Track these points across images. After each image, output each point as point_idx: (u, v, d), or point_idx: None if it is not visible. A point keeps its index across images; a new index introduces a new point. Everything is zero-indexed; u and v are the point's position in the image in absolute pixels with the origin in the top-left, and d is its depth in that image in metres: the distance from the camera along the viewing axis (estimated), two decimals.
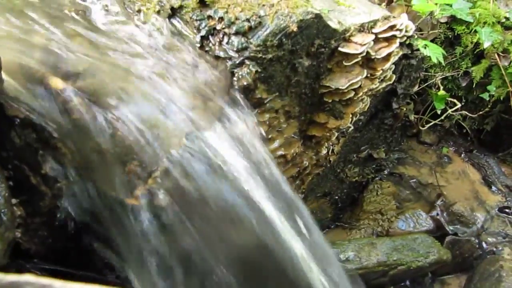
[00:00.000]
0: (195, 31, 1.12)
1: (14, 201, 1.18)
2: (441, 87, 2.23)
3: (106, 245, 1.19)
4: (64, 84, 1.12)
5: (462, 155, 2.46)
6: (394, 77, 1.50)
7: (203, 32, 1.10)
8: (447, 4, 2.12)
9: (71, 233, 1.21)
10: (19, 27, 1.18)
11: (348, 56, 1.28)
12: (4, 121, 1.12)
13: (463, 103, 2.29)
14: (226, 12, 1.09)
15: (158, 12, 1.16)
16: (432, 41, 2.24)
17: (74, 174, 1.12)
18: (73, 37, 1.17)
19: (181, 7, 1.14)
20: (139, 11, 1.18)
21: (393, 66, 1.46)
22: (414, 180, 2.33)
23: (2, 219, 1.13)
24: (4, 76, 1.10)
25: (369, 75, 1.37)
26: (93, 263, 1.28)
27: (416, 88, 2.31)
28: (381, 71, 1.37)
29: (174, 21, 1.16)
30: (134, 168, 1.11)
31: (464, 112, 2.28)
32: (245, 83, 1.08)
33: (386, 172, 2.28)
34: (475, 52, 2.19)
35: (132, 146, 1.10)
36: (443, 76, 2.26)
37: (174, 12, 1.15)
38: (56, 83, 1.12)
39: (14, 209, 1.18)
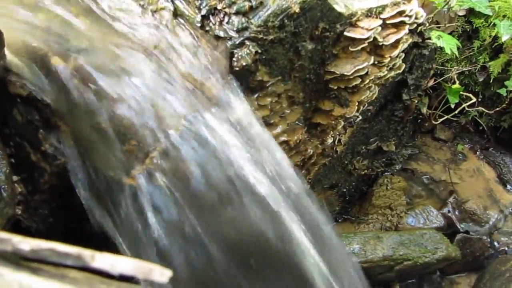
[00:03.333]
0: (196, 11, 1.11)
1: (15, 178, 1.19)
2: (457, 82, 2.18)
3: (106, 224, 1.19)
4: (66, 62, 1.12)
5: (478, 152, 2.40)
6: (403, 66, 1.46)
7: (203, 12, 1.09)
8: None
9: (73, 212, 1.21)
10: (23, 4, 1.19)
11: (354, 41, 1.25)
12: (7, 99, 1.13)
13: (480, 99, 2.23)
14: None
15: None
16: (449, 34, 2.19)
17: (74, 152, 1.13)
18: (76, 16, 1.18)
19: None
20: None
21: (403, 55, 1.43)
22: (427, 176, 2.29)
23: (2, 195, 1.14)
24: (7, 53, 1.11)
25: (376, 62, 1.34)
26: (96, 244, 1.28)
27: (432, 83, 2.27)
28: (389, 59, 1.34)
29: (176, 1, 1.15)
30: (132, 147, 1.10)
31: (480, 108, 2.22)
32: (244, 64, 1.06)
33: (398, 167, 2.24)
34: (493, 46, 2.13)
35: (130, 126, 1.10)
36: (460, 71, 2.21)
37: None
38: (58, 61, 1.13)
39: (15, 186, 1.19)
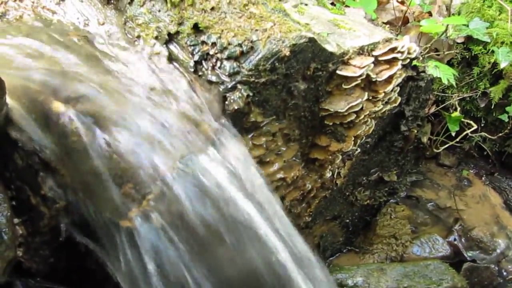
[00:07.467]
0: (190, 55, 1.14)
1: (16, 220, 1.21)
2: (459, 108, 2.18)
3: (105, 265, 1.20)
4: (65, 108, 1.15)
5: (483, 178, 2.38)
6: (399, 99, 1.47)
7: (196, 57, 1.12)
8: (464, 24, 2.08)
9: (74, 252, 1.23)
10: (24, 51, 1.23)
11: (347, 79, 1.27)
12: (8, 143, 1.16)
13: (482, 125, 2.23)
14: (219, 37, 1.10)
15: (156, 38, 1.19)
16: (448, 61, 2.21)
17: (72, 195, 1.15)
18: (75, 62, 1.21)
19: (177, 32, 1.17)
20: (138, 36, 1.22)
21: (398, 88, 1.44)
22: (432, 203, 2.27)
23: (3, 238, 1.15)
24: (8, 99, 1.15)
25: (371, 97, 1.35)
26: (97, 283, 1.29)
27: (433, 110, 2.28)
28: (383, 94, 1.35)
29: (171, 46, 1.18)
30: (129, 190, 1.12)
31: (483, 133, 2.22)
32: (236, 107, 1.08)
33: (402, 195, 2.23)
34: (493, 73, 2.14)
35: (127, 169, 1.12)
36: (461, 97, 2.21)
37: (171, 38, 1.18)
38: (57, 106, 1.16)
39: (16, 229, 1.21)
